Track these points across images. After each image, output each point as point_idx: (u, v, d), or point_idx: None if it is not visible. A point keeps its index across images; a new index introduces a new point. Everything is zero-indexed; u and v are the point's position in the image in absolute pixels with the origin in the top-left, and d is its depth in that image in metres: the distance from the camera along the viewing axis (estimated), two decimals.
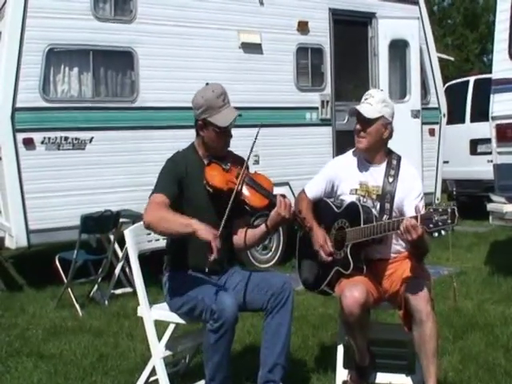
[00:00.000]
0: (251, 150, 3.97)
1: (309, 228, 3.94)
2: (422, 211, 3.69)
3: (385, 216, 3.95)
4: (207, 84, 4.04)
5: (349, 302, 3.80)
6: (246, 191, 3.91)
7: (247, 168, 4.01)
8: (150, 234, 4.07)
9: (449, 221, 3.44)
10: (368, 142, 4.06)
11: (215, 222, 3.70)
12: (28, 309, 6.58)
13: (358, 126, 4.06)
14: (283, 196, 3.84)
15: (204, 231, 3.58)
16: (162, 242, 4.18)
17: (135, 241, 4.07)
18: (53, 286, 7.15)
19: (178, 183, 3.89)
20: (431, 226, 3.51)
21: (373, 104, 4.03)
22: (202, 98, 3.94)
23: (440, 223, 3.46)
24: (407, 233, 3.60)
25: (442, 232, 3.54)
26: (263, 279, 3.98)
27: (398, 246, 4.07)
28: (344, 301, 3.83)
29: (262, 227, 3.96)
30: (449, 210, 3.43)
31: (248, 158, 4.03)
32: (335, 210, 4.14)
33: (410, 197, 3.98)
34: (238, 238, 4.07)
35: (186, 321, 3.97)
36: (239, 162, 4.05)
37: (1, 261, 7.62)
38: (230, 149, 4.11)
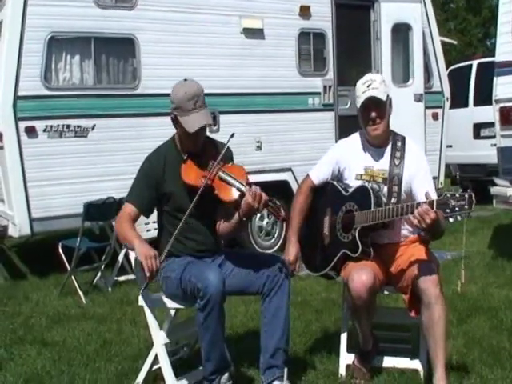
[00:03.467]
0: (228, 141, 3.93)
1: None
2: (433, 191, 3.75)
3: (393, 199, 3.93)
4: (185, 80, 3.91)
5: (357, 285, 3.78)
6: (217, 186, 3.81)
7: (223, 160, 3.89)
8: (148, 223, 4.07)
9: (466, 206, 3.42)
10: (384, 125, 4.05)
11: (198, 218, 3.82)
12: (31, 297, 6.59)
13: (374, 113, 3.99)
14: (252, 185, 3.76)
15: (139, 253, 3.64)
16: None
17: None
18: (56, 274, 7.18)
19: (155, 186, 3.89)
20: (447, 211, 3.47)
21: (378, 87, 4.00)
22: (175, 96, 3.85)
23: (457, 209, 3.44)
24: (421, 219, 3.54)
25: (458, 217, 3.50)
26: (258, 261, 3.95)
27: (405, 230, 4.04)
28: (352, 284, 3.80)
29: (236, 216, 3.84)
30: (466, 196, 3.42)
31: (223, 152, 3.91)
32: (343, 193, 4.09)
33: (419, 177, 3.98)
34: (218, 228, 3.95)
35: (183, 305, 3.95)
36: (217, 154, 3.91)
37: (4, 249, 7.64)
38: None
